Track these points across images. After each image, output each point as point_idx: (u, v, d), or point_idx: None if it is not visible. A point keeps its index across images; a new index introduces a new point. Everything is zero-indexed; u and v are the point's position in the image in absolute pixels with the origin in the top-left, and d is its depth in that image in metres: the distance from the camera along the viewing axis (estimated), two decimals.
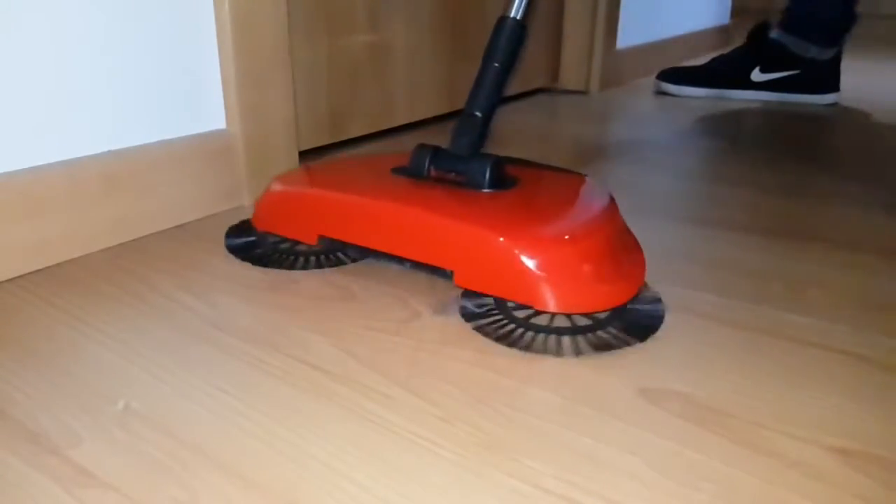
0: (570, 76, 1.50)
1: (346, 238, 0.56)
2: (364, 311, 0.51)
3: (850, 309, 0.53)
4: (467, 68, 1.16)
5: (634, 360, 0.45)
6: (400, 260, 0.55)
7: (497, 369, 0.44)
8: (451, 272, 0.51)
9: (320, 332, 0.48)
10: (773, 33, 1.37)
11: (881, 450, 0.37)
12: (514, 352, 0.46)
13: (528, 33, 0.59)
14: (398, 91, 1.04)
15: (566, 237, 0.50)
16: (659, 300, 0.53)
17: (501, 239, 0.48)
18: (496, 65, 0.57)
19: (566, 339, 0.47)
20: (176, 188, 0.66)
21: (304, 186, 0.60)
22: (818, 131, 1.16)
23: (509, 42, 0.57)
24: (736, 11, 2.40)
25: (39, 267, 0.57)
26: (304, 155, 0.89)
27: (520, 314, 0.50)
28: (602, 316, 0.50)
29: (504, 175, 0.58)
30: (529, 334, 0.48)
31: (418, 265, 0.54)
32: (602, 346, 0.46)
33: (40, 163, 0.57)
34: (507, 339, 0.47)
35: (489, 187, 0.56)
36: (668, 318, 0.51)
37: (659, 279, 0.57)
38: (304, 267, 0.58)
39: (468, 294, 0.53)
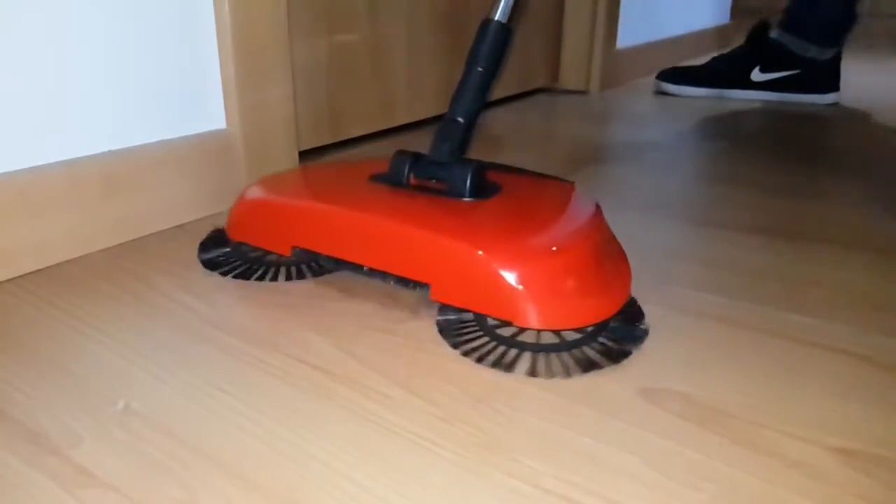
0: (570, 76, 1.50)
1: (320, 249, 0.54)
2: (364, 311, 0.51)
3: (850, 309, 0.53)
4: None
5: (634, 360, 0.45)
6: (375, 272, 0.53)
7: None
8: (428, 286, 0.49)
9: (320, 332, 0.48)
10: (773, 33, 1.37)
11: (882, 450, 0.37)
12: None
13: (512, 36, 0.58)
14: (398, 91, 1.04)
15: (548, 249, 0.48)
16: (641, 315, 0.50)
17: (480, 252, 0.46)
18: (480, 69, 0.56)
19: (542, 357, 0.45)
20: (176, 188, 0.66)
21: (277, 195, 0.58)
22: (818, 131, 1.16)
23: (493, 45, 0.56)
24: (736, 11, 2.40)
25: (39, 267, 0.57)
26: (304, 155, 0.89)
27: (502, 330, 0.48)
28: (584, 332, 0.48)
29: (486, 182, 0.57)
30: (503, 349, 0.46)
31: (394, 278, 0.52)
32: (586, 365, 0.44)
33: (40, 163, 0.57)
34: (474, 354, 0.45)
35: (470, 195, 0.54)
36: (668, 318, 0.51)
37: (659, 279, 0.57)
38: (274, 279, 0.56)
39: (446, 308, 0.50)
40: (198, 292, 0.54)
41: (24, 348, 0.45)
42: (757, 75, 1.39)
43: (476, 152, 0.95)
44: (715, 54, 1.51)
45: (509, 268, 0.46)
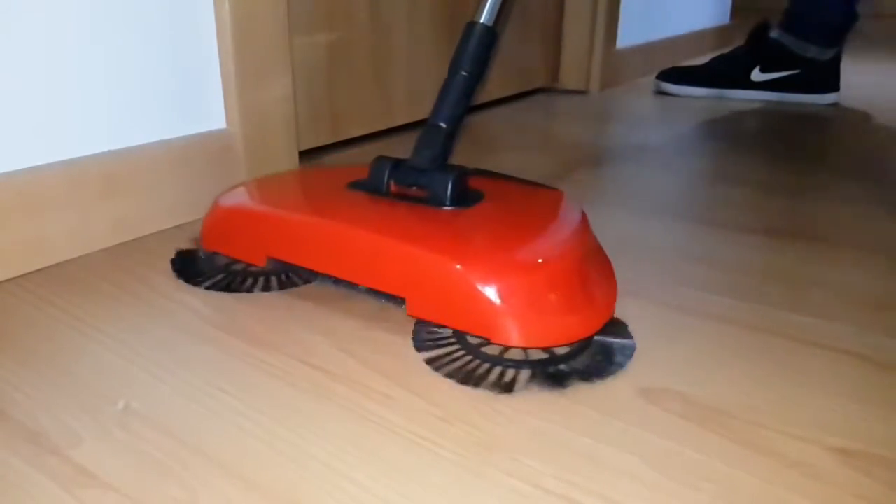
0: (570, 76, 1.50)
1: (294, 260, 0.53)
2: (364, 311, 0.51)
3: (851, 309, 0.53)
4: None
5: (634, 360, 0.45)
6: (350, 285, 0.51)
7: None
8: (404, 300, 0.47)
9: (320, 332, 0.48)
10: (774, 33, 1.37)
11: (882, 450, 0.37)
12: None
13: (498, 40, 0.56)
14: (398, 91, 1.04)
15: (529, 263, 0.46)
16: (629, 335, 0.48)
17: (458, 266, 0.44)
18: (464, 73, 0.55)
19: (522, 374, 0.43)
20: (176, 188, 0.66)
21: (251, 203, 0.57)
22: (818, 131, 1.16)
23: (478, 49, 0.55)
24: (736, 11, 2.40)
25: (39, 267, 0.57)
26: (304, 155, 0.89)
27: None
28: (564, 350, 0.45)
29: (468, 190, 0.55)
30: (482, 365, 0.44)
31: (370, 291, 0.51)
32: (559, 383, 0.42)
33: (40, 163, 0.57)
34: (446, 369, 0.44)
35: (451, 204, 0.52)
36: (668, 318, 0.51)
37: (659, 278, 0.57)
38: (250, 290, 0.54)
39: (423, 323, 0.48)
40: (197, 292, 0.54)
41: (23, 348, 0.45)
42: (757, 75, 1.39)
43: (475, 152, 0.95)
44: (715, 54, 1.51)
45: (488, 282, 0.43)
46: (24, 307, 0.51)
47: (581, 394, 0.42)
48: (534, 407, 0.40)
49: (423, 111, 1.10)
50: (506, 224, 0.52)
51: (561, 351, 0.45)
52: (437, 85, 1.11)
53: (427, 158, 0.54)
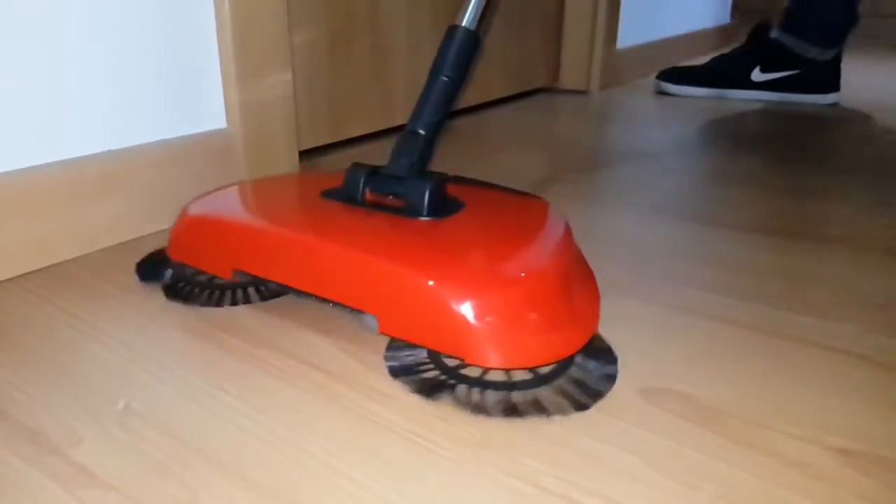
0: (570, 76, 1.50)
1: (261, 273, 0.50)
2: None
3: (851, 308, 0.53)
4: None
5: (635, 360, 0.45)
6: (320, 300, 0.48)
7: None
8: (375, 318, 0.44)
9: (321, 332, 0.48)
10: (774, 33, 1.37)
11: (882, 450, 0.37)
12: None
13: (480, 44, 0.54)
14: (398, 91, 1.04)
15: (507, 277, 0.43)
16: (614, 359, 0.45)
17: (431, 282, 0.42)
18: (444, 78, 0.53)
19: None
20: (176, 188, 0.66)
21: (218, 212, 0.54)
22: (819, 131, 1.16)
23: (460, 53, 0.53)
24: (736, 11, 2.40)
25: (39, 267, 0.57)
26: (304, 155, 0.89)
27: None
28: (545, 371, 0.42)
29: (447, 199, 0.52)
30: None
31: (341, 307, 0.47)
32: (538, 409, 0.39)
33: (39, 162, 0.57)
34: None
35: (428, 214, 0.50)
36: (668, 318, 0.51)
37: (659, 278, 0.57)
38: (206, 304, 0.52)
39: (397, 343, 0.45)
40: None
41: (23, 348, 0.45)
42: (757, 75, 1.39)
43: (475, 153, 0.95)
44: (715, 54, 1.51)
45: (462, 299, 0.41)
46: (24, 307, 0.51)
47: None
48: None
49: None
50: (484, 236, 0.49)
51: (544, 370, 0.43)
52: None
53: (404, 166, 0.52)
